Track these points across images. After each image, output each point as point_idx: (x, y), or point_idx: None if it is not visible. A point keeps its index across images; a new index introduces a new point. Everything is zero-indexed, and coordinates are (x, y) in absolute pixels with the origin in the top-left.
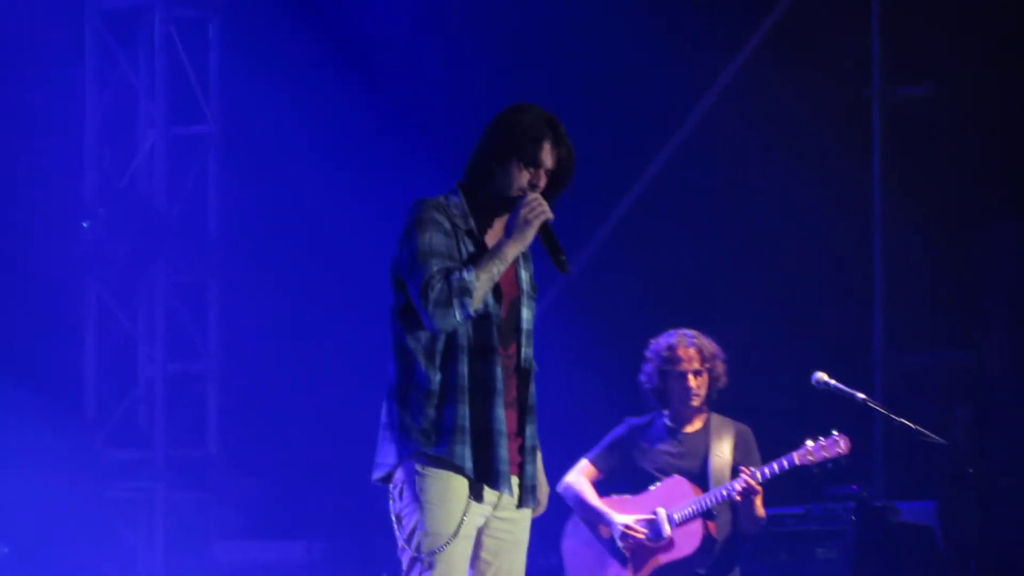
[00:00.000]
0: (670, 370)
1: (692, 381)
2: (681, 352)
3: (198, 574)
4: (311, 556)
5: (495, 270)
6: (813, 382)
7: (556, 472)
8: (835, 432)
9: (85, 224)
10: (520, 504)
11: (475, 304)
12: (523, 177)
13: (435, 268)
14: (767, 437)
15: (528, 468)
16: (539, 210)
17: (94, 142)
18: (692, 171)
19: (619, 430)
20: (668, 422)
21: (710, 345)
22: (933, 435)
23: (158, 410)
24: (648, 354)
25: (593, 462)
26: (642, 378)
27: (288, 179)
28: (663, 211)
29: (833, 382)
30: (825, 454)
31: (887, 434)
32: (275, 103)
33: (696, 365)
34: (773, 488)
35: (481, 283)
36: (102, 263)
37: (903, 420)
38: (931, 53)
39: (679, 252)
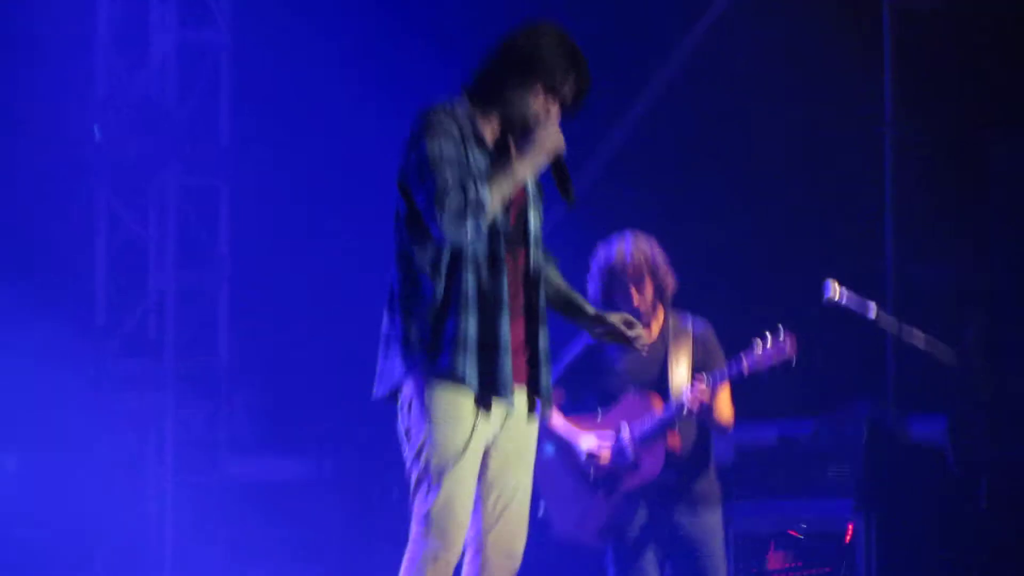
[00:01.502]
0: (613, 286)
1: (636, 297)
2: (620, 268)
3: (207, 486)
4: (321, 472)
5: (507, 190)
6: (824, 301)
7: None
8: (781, 332)
9: (96, 128)
10: (529, 412)
11: (488, 221)
12: (541, 103)
13: (450, 177)
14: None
15: (536, 375)
16: (557, 139)
17: (105, 46)
18: (700, 80)
19: (576, 347)
20: None
21: (649, 251)
22: (944, 349)
23: (168, 319)
24: (592, 271)
25: (555, 383)
26: (589, 297)
27: (300, 84)
28: (667, 127)
29: (844, 299)
30: (773, 357)
31: (899, 349)
32: (287, 6)
33: (638, 280)
34: (779, 401)
35: (495, 202)
36: (113, 169)
37: (913, 335)
38: None
39: (688, 166)
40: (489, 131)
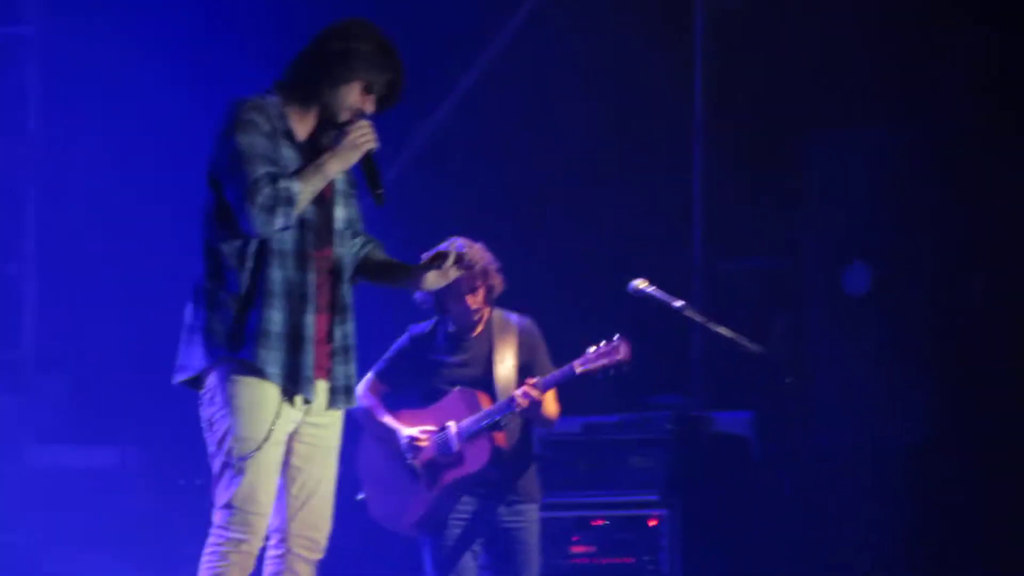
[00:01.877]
0: (442, 292)
1: (470, 299)
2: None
3: (11, 477)
4: (126, 461)
5: (318, 184)
6: (630, 290)
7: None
8: (616, 336)
9: None
10: (331, 405)
11: (295, 214)
12: (357, 101)
13: (261, 171)
14: (582, 349)
15: (338, 369)
16: (368, 137)
17: None
18: (514, 77)
19: (402, 341)
20: (451, 328)
21: (481, 259)
22: (749, 343)
23: None
24: None
25: (379, 376)
26: (416, 297)
27: (108, 78)
28: (483, 118)
29: (651, 289)
30: (605, 361)
31: (705, 343)
32: (95, 1)
33: (471, 284)
34: (589, 395)
35: (304, 196)
36: None
37: (720, 328)
38: None
39: (498, 161)
40: (302, 127)
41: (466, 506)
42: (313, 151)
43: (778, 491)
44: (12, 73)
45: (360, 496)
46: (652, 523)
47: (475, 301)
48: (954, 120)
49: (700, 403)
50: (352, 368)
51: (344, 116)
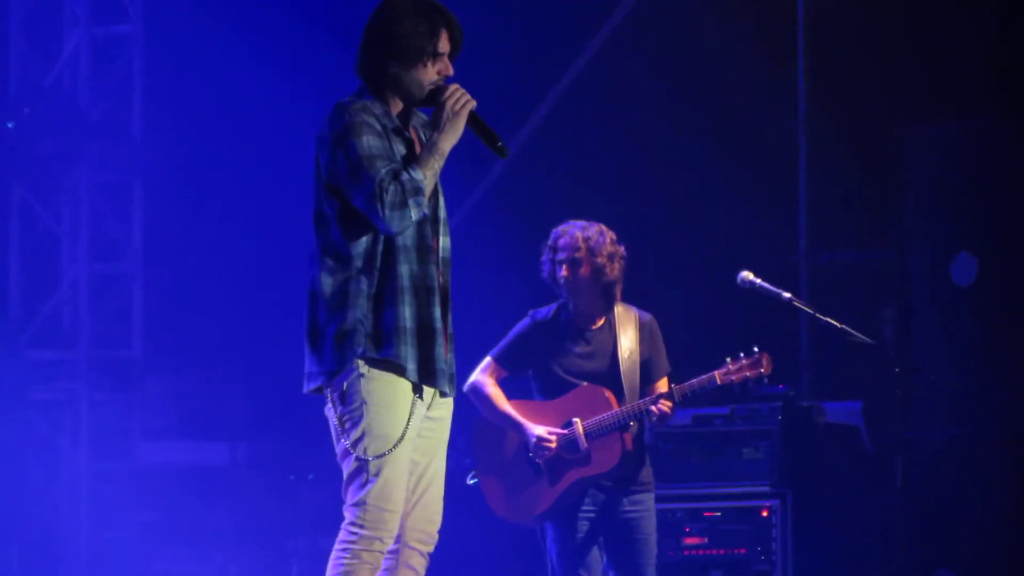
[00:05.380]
0: (555, 259)
1: (566, 270)
2: (561, 241)
3: (122, 474)
4: (235, 457)
5: (436, 166)
6: (739, 281)
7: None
8: (756, 349)
9: (9, 124)
10: (451, 393)
11: (426, 202)
12: (432, 72)
13: (383, 171)
14: (694, 339)
15: (450, 358)
16: (464, 99)
17: (18, 41)
18: (615, 73)
19: (523, 324)
20: (572, 317)
21: (597, 237)
22: (858, 334)
23: (82, 311)
24: (545, 244)
25: (498, 360)
26: (542, 268)
27: (212, 79)
28: (585, 114)
29: (759, 281)
30: (747, 373)
31: (812, 334)
32: (199, 1)
33: (573, 254)
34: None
35: (428, 180)
36: (27, 163)
37: (828, 319)
38: None
39: (601, 155)
40: (399, 116)
41: (591, 499)
42: (418, 137)
43: (888, 481)
44: (118, 72)
45: (471, 480)
46: (764, 514)
47: (572, 276)
48: None
49: (809, 393)
50: (453, 356)
51: (427, 93)
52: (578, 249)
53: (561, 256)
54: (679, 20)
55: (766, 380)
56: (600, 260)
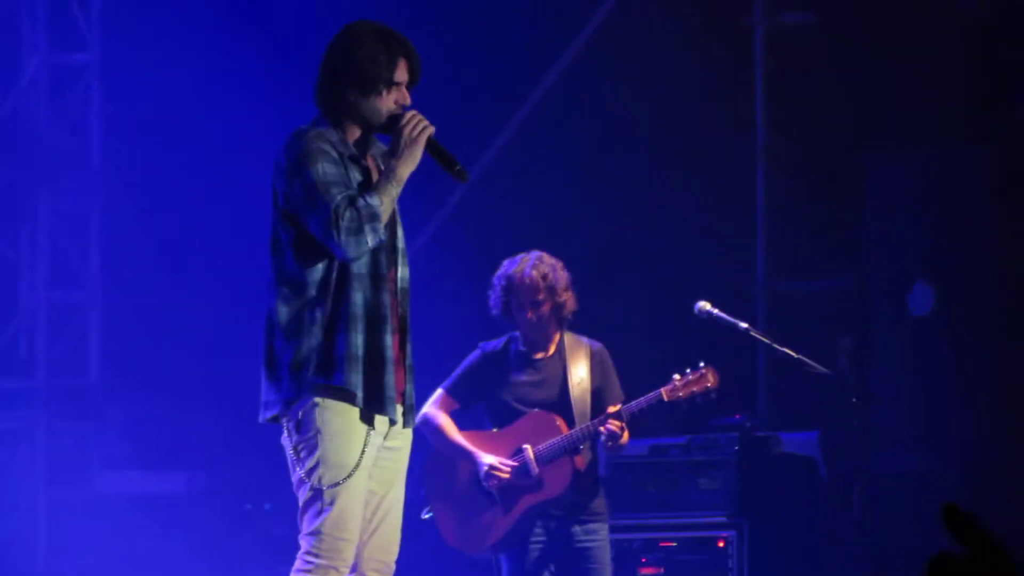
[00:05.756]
0: (510, 300)
1: (530, 313)
2: (518, 282)
3: (80, 504)
4: (192, 486)
5: (393, 192)
6: (696, 311)
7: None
8: (702, 364)
9: None
10: (404, 425)
11: (383, 228)
12: (389, 101)
13: (338, 197)
14: (648, 369)
15: (408, 388)
16: (421, 125)
17: None
18: (574, 100)
19: (473, 357)
20: (522, 347)
21: (551, 273)
22: (816, 364)
23: (39, 338)
24: (493, 281)
25: (449, 392)
26: (490, 304)
27: (170, 106)
28: (544, 140)
29: (716, 311)
30: (694, 388)
31: (770, 364)
32: (157, 29)
33: (533, 296)
34: (655, 418)
35: (384, 207)
36: None
37: (786, 349)
38: None
39: (561, 183)
40: (357, 145)
41: (542, 527)
42: (376, 165)
43: (845, 511)
44: (76, 99)
45: (426, 514)
46: (720, 544)
47: (537, 316)
48: (1018, 140)
49: (766, 424)
50: (413, 387)
51: (385, 120)
52: (539, 291)
53: (523, 299)
54: (639, 48)
55: (714, 395)
56: (561, 298)
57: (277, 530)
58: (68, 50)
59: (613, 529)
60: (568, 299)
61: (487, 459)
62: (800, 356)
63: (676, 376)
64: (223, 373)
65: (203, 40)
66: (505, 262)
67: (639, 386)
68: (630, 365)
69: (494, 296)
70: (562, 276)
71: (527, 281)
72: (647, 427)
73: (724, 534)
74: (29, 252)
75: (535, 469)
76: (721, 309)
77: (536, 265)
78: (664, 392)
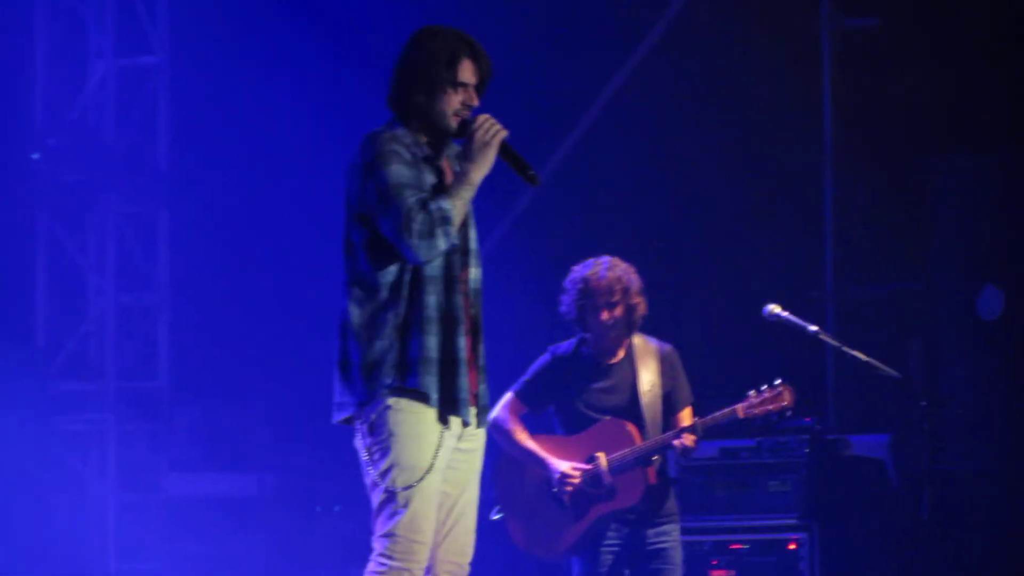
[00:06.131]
0: (585, 303)
1: (606, 315)
2: (594, 285)
3: (149, 506)
4: (263, 488)
5: (466, 196)
6: (765, 314)
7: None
8: (778, 382)
9: (35, 156)
10: (477, 425)
11: (455, 231)
12: (455, 101)
13: (411, 200)
14: (721, 372)
15: (481, 388)
16: (494, 130)
17: (43, 74)
18: (642, 105)
19: (543, 360)
20: (592, 351)
21: (625, 276)
22: (885, 367)
23: (109, 342)
24: (566, 284)
25: (519, 396)
26: (562, 309)
27: (236, 109)
28: (612, 145)
29: (785, 314)
30: (770, 407)
31: (839, 367)
32: (223, 32)
33: (608, 298)
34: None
35: (457, 210)
36: (53, 195)
37: (855, 352)
38: None
39: (629, 186)
40: (430, 147)
41: (615, 532)
42: (450, 167)
43: (914, 514)
44: (143, 103)
45: (495, 515)
46: (791, 547)
47: (612, 319)
48: None
49: (836, 427)
50: (487, 387)
51: (454, 121)
52: (614, 292)
53: (600, 301)
54: (705, 53)
55: (789, 413)
56: (634, 300)
57: (347, 532)
58: (135, 54)
59: (684, 531)
60: (640, 303)
61: (560, 466)
62: (869, 359)
63: (752, 393)
64: (291, 374)
65: (270, 42)
66: (576, 267)
67: (707, 390)
68: (700, 371)
69: (568, 299)
70: (635, 280)
71: (603, 283)
72: (716, 428)
73: (795, 536)
74: (98, 256)
75: (608, 479)
76: (790, 312)
77: (611, 267)
78: (740, 409)
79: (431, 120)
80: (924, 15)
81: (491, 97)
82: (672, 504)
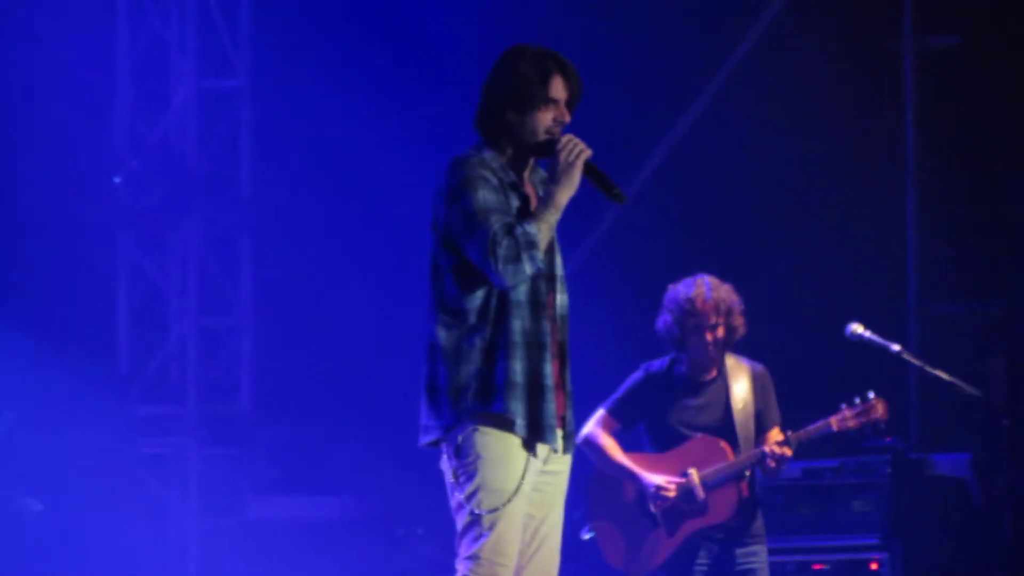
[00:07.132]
0: (688, 323)
1: (709, 336)
2: (700, 306)
3: (231, 529)
4: (344, 511)
5: (552, 219)
6: (847, 334)
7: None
8: (871, 395)
9: (117, 179)
10: (565, 450)
11: (541, 256)
12: (547, 118)
13: (497, 225)
14: (804, 391)
15: (568, 413)
16: (578, 150)
17: (125, 96)
18: (726, 122)
19: (636, 377)
20: (686, 369)
21: (728, 297)
22: (967, 386)
23: (191, 365)
24: (666, 302)
25: (611, 412)
26: (659, 327)
27: (319, 132)
28: (698, 163)
29: (868, 333)
30: (863, 419)
31: (921, 386)
32: (305, 55)
33: (714, 319)
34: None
35: (543, 234)
36: (134, 218)
37: (938, 371)
38: (961, 3)
39: (713, 205)
40: (516, 170)
41: (706, 552)
42: (535, 191)
43: (998, 533)
44: (225, 125)
45: (586, 535)
46: (873, 567)
47: (715, 340)
48: None
49: (918, 446)
50: (573, 412)
51: (542, 145)
52: (719, 314)
53: (702, 322)
54: (787, 72)
55: (883, 426)
56: (736, 321)
57: (430, 555)
58: (217, 76)
59: (767, 551)
60: (741, 324)
61: (655, 479)
62: (952, 378)
63: (845, 405)
64: (372, 397)
65: (353, 64)
66: (675, 285)
67: (791, 408)
68: (784, 390)
69: (668, 319)
70: (737, 300)
71: (709, 305)
72: (800, 448)
73: (877, 556)
74: (180, 279)
75: (701, 494)
76: (873, 331)
77: (714, 288)
78: (834, 421)
79: (522, 139)
80: (1005, 33)
81: (574, 116)
82: (759, 524)
